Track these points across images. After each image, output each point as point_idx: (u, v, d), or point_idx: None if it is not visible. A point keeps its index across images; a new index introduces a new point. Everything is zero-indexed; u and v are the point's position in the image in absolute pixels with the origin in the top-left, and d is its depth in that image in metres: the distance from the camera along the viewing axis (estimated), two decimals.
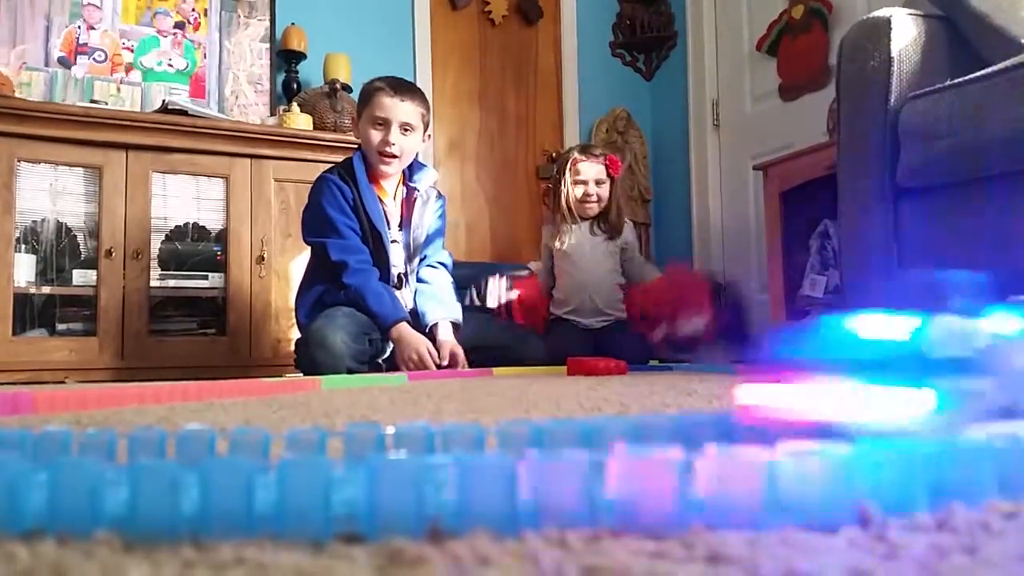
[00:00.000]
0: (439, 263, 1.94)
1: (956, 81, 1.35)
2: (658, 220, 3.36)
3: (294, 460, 0.26)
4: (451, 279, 1.95)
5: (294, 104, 2.48)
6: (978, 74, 1.32)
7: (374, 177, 1.86)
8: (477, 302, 2.20)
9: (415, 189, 1.90)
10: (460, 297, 1.99)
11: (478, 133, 3.19)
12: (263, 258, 2.27)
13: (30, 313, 2.07)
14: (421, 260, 1.92)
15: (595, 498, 0.25)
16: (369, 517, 0.25)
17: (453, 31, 3.15)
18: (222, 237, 2.27)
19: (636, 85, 3.41)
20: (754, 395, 0.37)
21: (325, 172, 1.86)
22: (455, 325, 1.83)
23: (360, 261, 1.75)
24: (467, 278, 2.23)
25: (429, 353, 1.71)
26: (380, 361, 1.81)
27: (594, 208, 2.26)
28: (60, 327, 2.09)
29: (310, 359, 1.64)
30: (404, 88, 1.83)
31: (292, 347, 1.91)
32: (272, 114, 2.58)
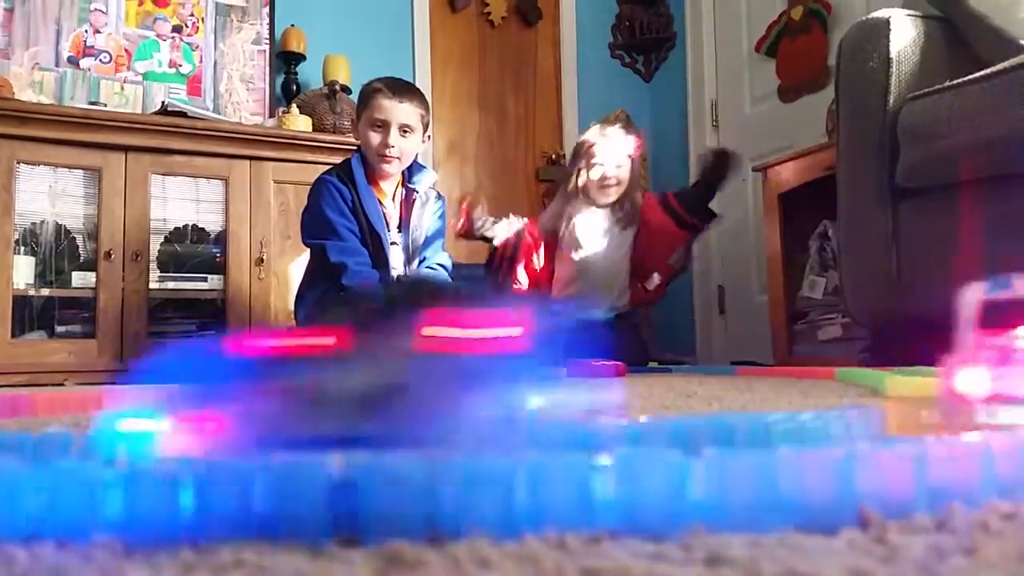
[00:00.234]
0: (438, 264, 1.94)
1: (955, 82, 1.35)
2: None
3: (293, 460, 0.26)
4: (450, 280, 1.95)
5: (293, 106, 2.48)
6: (977, 75, 1.32)
7: (373, 178, 1.86)
8: (482, 230, 2.04)
9: (414, 190, 1.90)
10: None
11: (477, 135, 3.19)
12: (262, 260, 2.27)
13: (29, 315, 2.07)
14: (420, 262, 1.92)
15: (594, 500, 0.25)
16: (367, 520, 0.25)
17: (452, 33, 3.15)
18: (221, 239, 2.27)
19: (635, 86, 3.41)
20: None
21: (324, 174, 1.86)
22: None
23: (359, 263, 1.75)
24: (467, 278, 2.22)
25: None
26: None
27: (613, 192, 2.11)
28: (59, 329, 2.09)
29: None
30: (403, 89, 1.83)
31: None
32: (271, 115, 2.58)
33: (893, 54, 1.45)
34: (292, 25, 2.69)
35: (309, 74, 2.71)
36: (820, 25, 2.61)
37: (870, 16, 1.53)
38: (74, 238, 2.13)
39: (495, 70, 3.24)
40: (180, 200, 2.24)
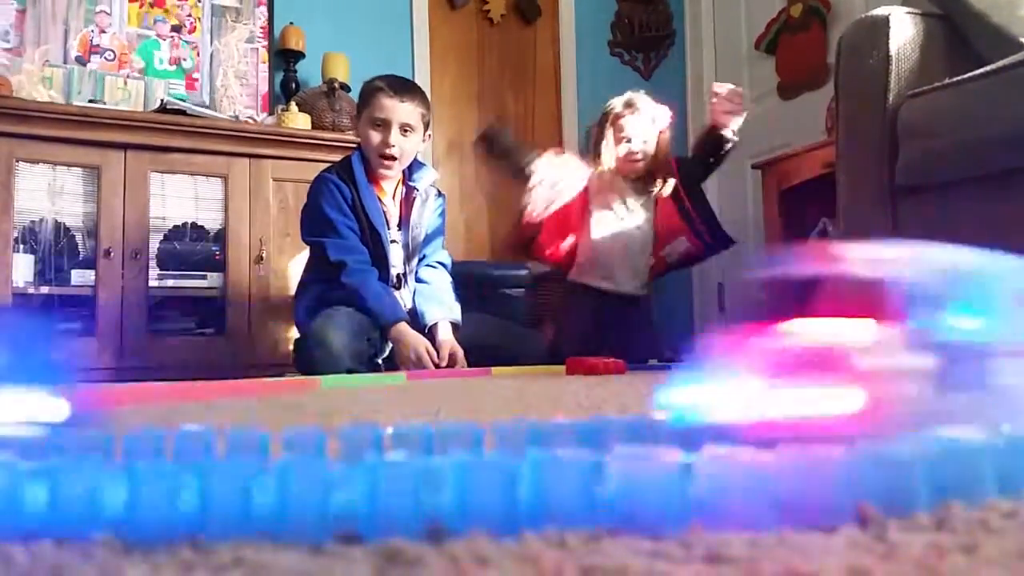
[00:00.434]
0: (438, 263, 1.94)
1: (955, 79, 1.35)
2: None
3: (293, 461, 0.26)
4: (450, 279, 1.95)
5: (292, 104, 2.48)
6: (977, 72, 1.32)
7: (373, 176, 1.85)
8: (525, 161, 1.88)
9: (414, 188, 1.90)
10: (458, 293, 1.93)
11: (477, 132, 3.19)
12: (262, 258, 2.27)
13: (29, 313, 2.07)
14: (420, 260, 1.91)
15: (595, 498, 0.25)
16: (368, 518, 0.25)
17: (451, 30, 3.15)
18: (221, 237, 2.27)
19: (635, 84, 3.39)
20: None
21: (324, 171, 1.86)
22: (454, 325, 1.83)
23: (359, 261, 1.75)
24: (467, 277, 2.22)
25: (428, 353, 1.71)
26: (379, 361, 1.80)
27: (639, 167, 2.00)
28: (59, 327, 2.09)
29: (309, 359, 1.64)
30: (404, 88, 1.82)
31: (291, 346, 1.91)
32: (270, 112, 2.58)
33: (893, 52, 1.45)
34: (291, 23, 2.69)
35: (308, 72, 2.71)
36: (819, 22, 2.61)
37: (870, 13, 1.53)
38: (73, 236, 2.13)
39: (494, 68, 3.23)
40: (179, 198, 2.24)
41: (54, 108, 2.09)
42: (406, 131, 1.80)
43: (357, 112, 1.89)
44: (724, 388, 0.35)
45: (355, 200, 1.79)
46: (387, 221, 1.85)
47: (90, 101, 2.28)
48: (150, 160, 2.18)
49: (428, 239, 1.92)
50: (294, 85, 2.67)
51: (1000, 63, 1.28)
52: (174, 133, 2.19)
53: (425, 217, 1.92)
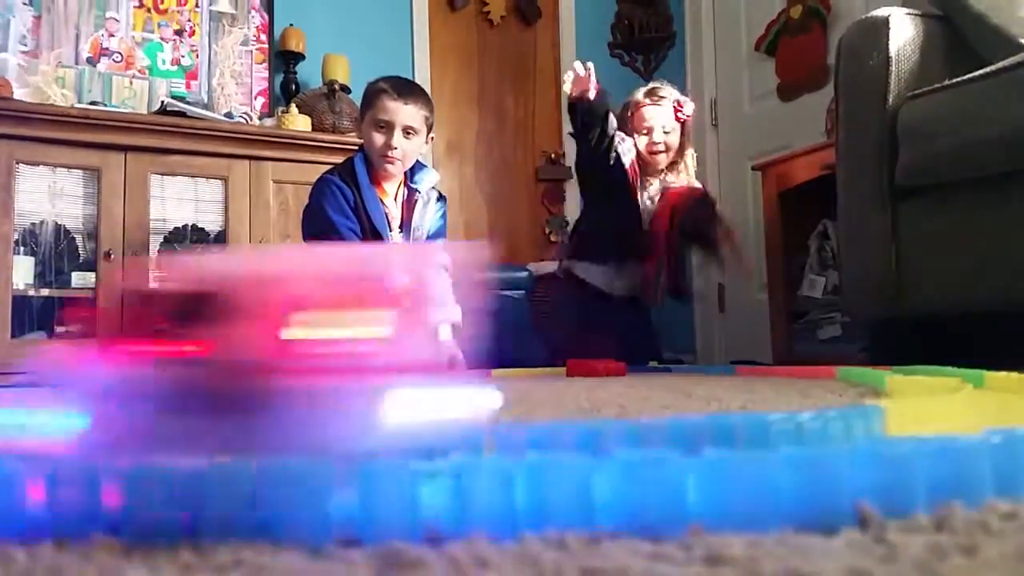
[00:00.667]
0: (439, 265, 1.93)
1: (955, 80, 1.35)
2: None
3: (293, 464, 0.26)
4: (450, 280, 1.94)
5: (292, 105, 2.48)
6: (977, 73, 1.32)
7: (375, 178, 1.85)
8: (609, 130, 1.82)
9: (416, 190, 1.89)
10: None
11: (476, 134, 3.19)
12: None
13: (29, 315, 2.07)
14: None
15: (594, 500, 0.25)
16: (366, 520, 0.25)
17: (451, 32, 3.15)
18: (221, 239, 2.27)
19: (635, 85, 3.39)
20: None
21: (326, 173, 1.85)
22: (454, 326, 1.83)
23: None
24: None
25: None
26: None
27: (663, 159, 1.94)
28: (59, 329, 2.09)
29: None
30: (408, 90, 1.82)
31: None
32: (270, 114, 2.58)
33: (892, 53, 1.45)
34: (291, 24, 2.69)
35: (308, 73, 2.71)
36: (819, 24, 2.61)
37: (869, 15, 1.53)
38: (73, 238, 2.13)
39: (494, 69, 3.24)
40: (179, 200, 2.24)
41: (54, 110, 2.09)
42: (409, 133, 1.80)
43: (360, 113, 1.89)
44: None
45: (357, 202, 1.79)
46: (389, 223, 1.85)
47: (91, 103, 2.29)
48: (150, 162, 2.18)
49: (429, 241, 1.92)
50: (294, 87, 2.67)
51: (1000, 64, 1.28)
52: (174, 135, 2.19)
53: (426, 219, 1.92)
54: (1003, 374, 0.78)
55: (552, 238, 3.18)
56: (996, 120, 1.25)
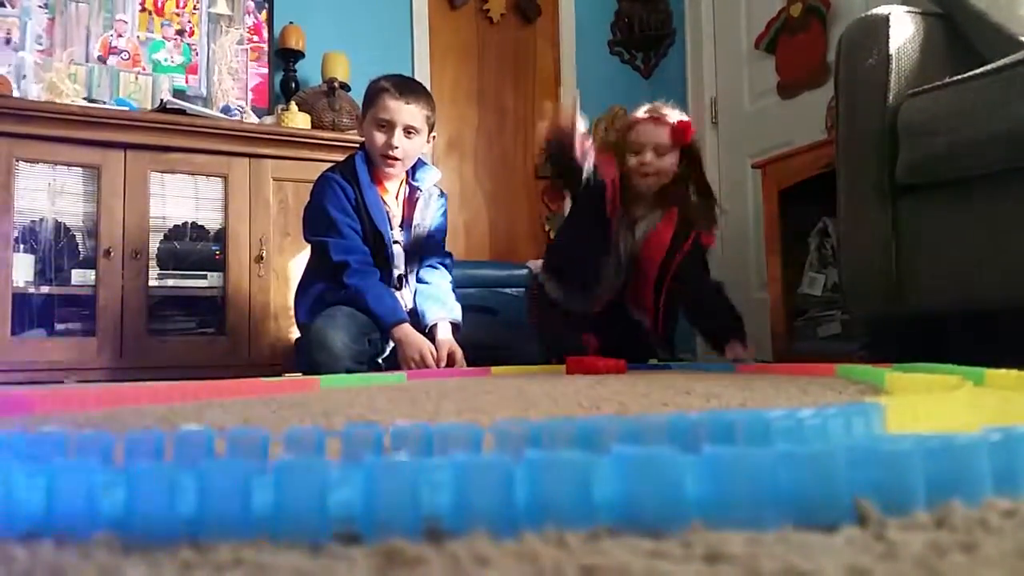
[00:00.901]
0: (439, 263, 1.94)
1: (954, 78, 1.35)
2: None
3: (292, 461, 0.26)
4: (451, 279, 1.95)
5: (292, 103, 2.48)
6: (977, 71, 1.32)
7: (376, 176, 1.85)
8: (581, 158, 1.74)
9: (417, 188, 1.89)
10: (458, 297, 1.93)
11: (476, 131, 3.19)
12: (262, 257, 2.27)
13: (29, 313, 2.07)
14: (422, 260, 1.91)
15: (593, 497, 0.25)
16: (367, 518, 0.25)
17: (451, 29, 3.15)
18: (221, 236, 2.27)
19: (634, 83, 3.41)
20: None
21: (327, 171, 1.85)
22: (454, 325, 1.83)
23: (361, 261, 1.75)
24: (467, 278, 2.22)
25: (431, 354, 1.71)
26: (380, 361, 1.80)
27: (650, 182, 1.82)
28: (59, 327, 2.09)
29: (310, 359, 1.64)
30: (410, 90, 1.81)
31: (291, 346, 1.91)
32: (270, 112, 2.58)
33: (892, 51, 1.45)
34: (291, 22, 2.69)
35: (308, 71, 2.71)
36: (819, 22, 2.61)
37: (869, 13, 1.53)
38: (73, 236, 2.13)
39: (494, 67, 3.23)
40: (179, 198, 2.24)
41: (54, 108, 2.09)
42: (410, 133, 1.79)
43: (362, 111, 1.88)
44: None
45: (358, 200, 1.79)
46: (390, 221, 1.85)
47: (91, 100, 2.30)
48: (150, 160, 2.18)
49: (430, 239, 1.92)
50: (294, 85, 2.67)
51: (1000, 62, 1.28)
52: (174, 133, 2.19)
53: (428, 217, 1.92)
54: (1003, 371, 0.78)
55: (552, 235, 3.18)
56: (996, 118, 1.25)
